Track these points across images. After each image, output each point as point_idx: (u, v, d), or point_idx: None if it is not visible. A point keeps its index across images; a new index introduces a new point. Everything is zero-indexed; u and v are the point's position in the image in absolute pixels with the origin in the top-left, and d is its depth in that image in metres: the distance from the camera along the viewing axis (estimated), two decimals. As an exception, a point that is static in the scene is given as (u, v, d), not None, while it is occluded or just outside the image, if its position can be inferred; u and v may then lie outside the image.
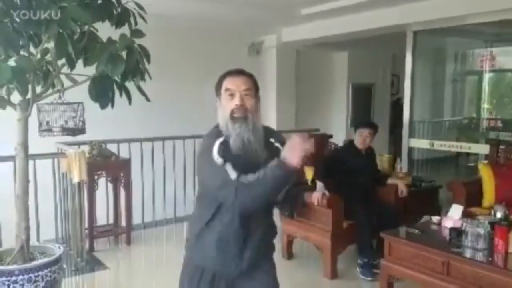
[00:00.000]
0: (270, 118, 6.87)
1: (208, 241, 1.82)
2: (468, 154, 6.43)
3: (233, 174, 1.65)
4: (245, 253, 1.81)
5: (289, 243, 4.07)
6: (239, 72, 1.83)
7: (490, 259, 2.68)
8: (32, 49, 2.71)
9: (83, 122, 3.16)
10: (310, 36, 6.02)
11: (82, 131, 3.21)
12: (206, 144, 1.78)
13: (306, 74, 7.21)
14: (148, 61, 2.59)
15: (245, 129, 1.71)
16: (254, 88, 1.82)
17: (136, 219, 4.83)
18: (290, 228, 4.00)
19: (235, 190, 1.62)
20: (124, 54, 2.51)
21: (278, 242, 4.04)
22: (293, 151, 1.59)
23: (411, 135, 5.46)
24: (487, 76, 8.36)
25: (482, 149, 4.94)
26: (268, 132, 1.85)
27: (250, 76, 1.83)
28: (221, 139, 1.73)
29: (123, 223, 4.56)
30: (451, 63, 8.16)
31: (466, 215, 3.22)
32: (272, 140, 1.82)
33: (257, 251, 1.84)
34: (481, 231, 2.75)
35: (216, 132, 1.80)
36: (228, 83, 1.79)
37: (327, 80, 8.11)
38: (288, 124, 6.62)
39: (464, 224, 2.84)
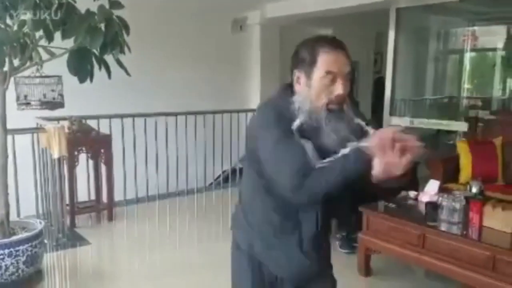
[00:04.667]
0: (253, 95, 6.86)
1: (287, 248, 1.48)
2: (448, 132, 6.54)
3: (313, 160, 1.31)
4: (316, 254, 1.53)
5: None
6: (340, 45, 1.37)
7: (464, 232, 2.77)
8: (8, 20, 2.65)
9: (62, 96, 3.12)
10: (294, 12, 5.97)
11: (60, 105, 3.16)
12: (273, 115, 1.37)
13: (291, 51, 7.14)
14: (128, 33, 2.55)
15: (343, 125, 1.34)
16: None
17: (118, 196, 4.81)
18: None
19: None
20: (102, 26, 2.48)
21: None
22: (381, 151, 1.16)
23: (392, 113, 5.52)
24: (469, 55, 8.44)
25: (461, 126, 5.02)
26: (353, 111, 1.42)
27: (347, 50, 1.38)
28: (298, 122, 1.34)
29: (105, 199, 4.55)
30: (433, 41, 8.20)
31: (442, 190, 3.30)
32: (359, 121, 1.40)
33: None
34: (457, 205, 2.82)
35: (286, 108, 1.37)
36: (329, 62, 1.33)
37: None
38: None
39: (440, 198, 2.91)
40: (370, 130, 1.35)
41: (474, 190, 3.28)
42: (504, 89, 8.35)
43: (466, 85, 8.52)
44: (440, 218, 2.86)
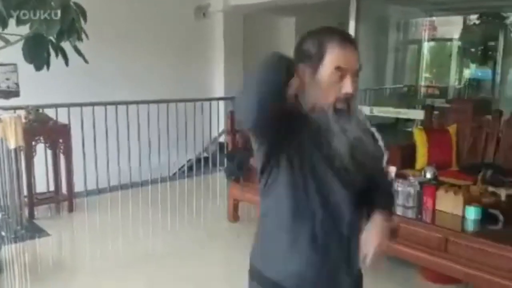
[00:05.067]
0: (217, 84, 6.85)
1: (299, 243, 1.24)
2: (407, 120, 6.76)
3: None
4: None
5: (235, 206, 4.15)
6: (350, 40, 1.24)
7: (419, 216, 2.90)
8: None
9: (17, 85, 3.02)
10: (257, 0, 5.98)
11: (16, 93, 3.07)
12: None
13: (254, 39, 7.18)
14: (85, 20, 2.50)
15: (351, 126, 1.21)
16: None
17: (79, 187, 4.71)
18: (236, 192, 4.08)
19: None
20: (59, 12, 2.41)
21: (225, 205, 4.12)
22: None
23: (353, 101, 5.64)
24: (427, 45, 8.69)
25: (418, 114, 5.20)
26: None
27: (357, 45, 1.26)
28: None
29: (65, 190, 4.45)
30: (393, 31, 8.40)
31: (399, 176, 3.41)
32: (367, 123, 1.30)
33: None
34: (411, 190, 2.94)
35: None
36: (339, 57, 1.20)
37: (275, 46, 8.12)
38: (236, 89, 6.63)
39: (396, 184, 3.02)
40: (379, 138, 1.30)
41: (428, 175, 3.41)
42: (459, 78, 8.67)
43: (424, 75, 8.79)
44: (396, 203, 2.97)
